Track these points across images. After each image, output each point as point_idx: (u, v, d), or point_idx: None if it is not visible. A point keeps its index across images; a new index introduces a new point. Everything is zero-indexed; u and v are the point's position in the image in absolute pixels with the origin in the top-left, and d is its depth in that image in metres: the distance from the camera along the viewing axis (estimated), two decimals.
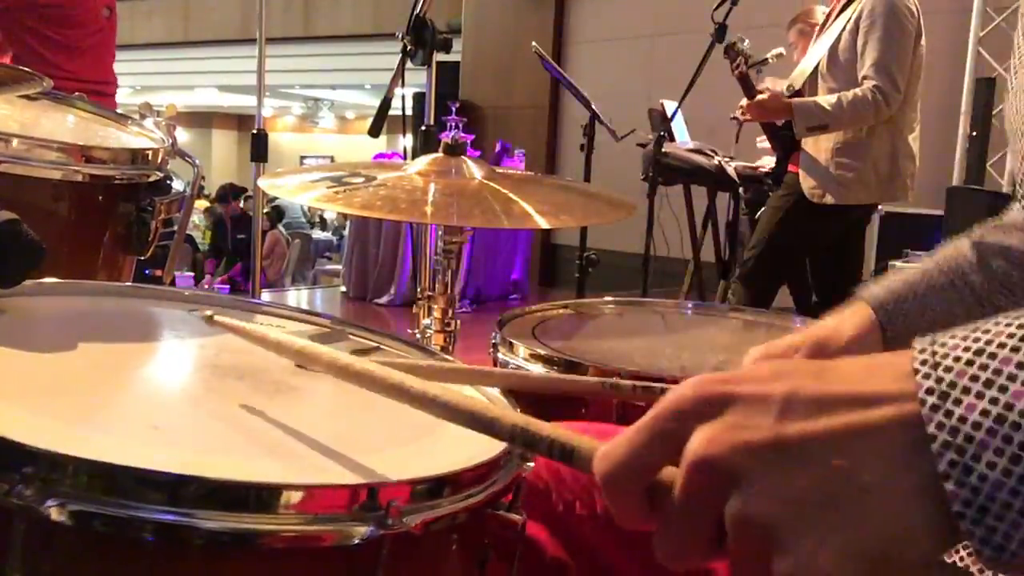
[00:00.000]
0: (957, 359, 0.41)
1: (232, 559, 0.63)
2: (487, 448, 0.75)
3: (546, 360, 1.28)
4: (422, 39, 2.38)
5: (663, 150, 3.77)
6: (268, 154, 3.47)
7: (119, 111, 1.76)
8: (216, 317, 0.91)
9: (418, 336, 1.60)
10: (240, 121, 20.54)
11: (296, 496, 0.62)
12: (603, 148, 4.24)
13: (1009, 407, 0.39)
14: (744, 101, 3.40)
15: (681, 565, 0.46)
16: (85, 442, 0.65)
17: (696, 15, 3.68)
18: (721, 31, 3.38)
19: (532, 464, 0.77)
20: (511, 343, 1.33)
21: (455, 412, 0.60)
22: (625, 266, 4.84)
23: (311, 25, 13.12)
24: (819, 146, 3.34)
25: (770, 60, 3.88)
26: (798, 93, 3.42)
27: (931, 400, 0.40)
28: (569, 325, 1.59)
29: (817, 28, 3.60)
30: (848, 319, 0.87)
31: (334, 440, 0.76)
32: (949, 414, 0.40)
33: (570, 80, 4.38)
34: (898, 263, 4.83)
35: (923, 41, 3.27)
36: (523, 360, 1.31)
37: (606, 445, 0.49)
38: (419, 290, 1.73)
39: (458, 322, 1.59)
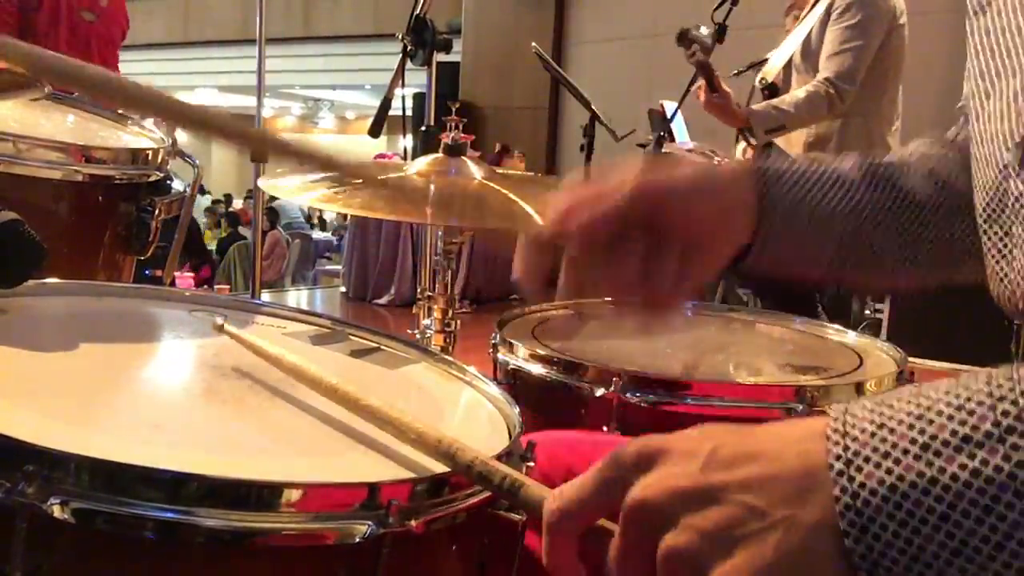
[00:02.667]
0: (863, 430, 0.47)
1: (233, 557, 0.63)
2: (487, 448, 0.75)
3: (546, 360, 1.28)
4: (422, 39, 2.38)
5: (663, 150, 3.77)
6: (268, 155, 3.45)
7: (119, 111, 1.75)
8: (227, 327, 0.91)
9: (418, 336, 1.60)
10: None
11: (297, 494, 0.62)
12: (603, 148, 4.24)
13: (901, 479, 0.45)
14: (700, 82, 3.27)
15: None
16: (87, 441, 0.66)
17: (696, 15, 3.67)
18: (721, 31, 3.36)
19: (532, 464, 0.78)
20: (511, 343, 1.33)
21: (418, 438, 0.69)
22: None
23: (311, 25, 13.12)
24: (792, 140, 3.28)
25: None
26: (772, 86, 3.37)
27: (837, 465, 0.46)
28: (569, 325, 1.59)
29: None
30: (704, 163, 0.83)
31: (334, 439, 0.77)
32: (851, 479, 0.46)
33: (570, 80, 4.38)
34: None
35: (905, 32, 3.16)
36: (523, 360, 1.31)
37: (558, 488, 0.56)
38: (419, 290, 1.73)
39: (458, 322, 1.59)
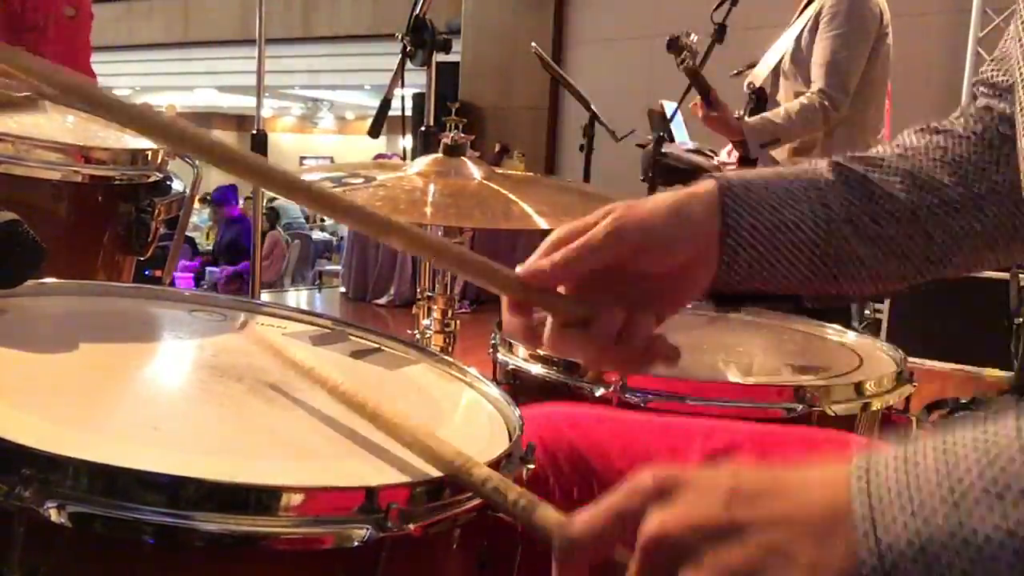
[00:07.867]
0: (888, 490, 0.46)
1: (231, 561, 0.63)
2: (486, 450, 0.75)
3: (546, 360, 1.28)
4: (422, 39, 2.37)
5: (663, 150, 3.76)
6: (268, 155, 3.46)
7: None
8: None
9: (418, 336, 1.60)
10: (240, 122, 20.52)
11: (296, 498, 0.62)
12: (603, 148, 4.24)
13: (930, 540, 0.44)
14: (697, 99, 3.26)
15: None
16: (85, 443, 0.65)
17: (696, 15, 3.67)
18: (721, 31, 3.35)
19: (532, 466, 0.78)
20: (511, 343, 1.33)
21: (436, 458, 0.68)
22: None
23: (311, 25, 13.12)
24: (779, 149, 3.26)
25: None
26: (759, 91, 3.36)
27: (863, 527, 0.46)
28: None
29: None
30: (678, 192, 0.80)
31: (333, 442, 0.76)
32: (878, 542, 0.45)
33: (570, 80, 4.38)
34: None
35: (889, 40, 3.14)
36: (523, 360, 1.31)
37: (572, 517, 0.54)
38: (419, 290, 1.73)
39: (458, 322, 1.59)
